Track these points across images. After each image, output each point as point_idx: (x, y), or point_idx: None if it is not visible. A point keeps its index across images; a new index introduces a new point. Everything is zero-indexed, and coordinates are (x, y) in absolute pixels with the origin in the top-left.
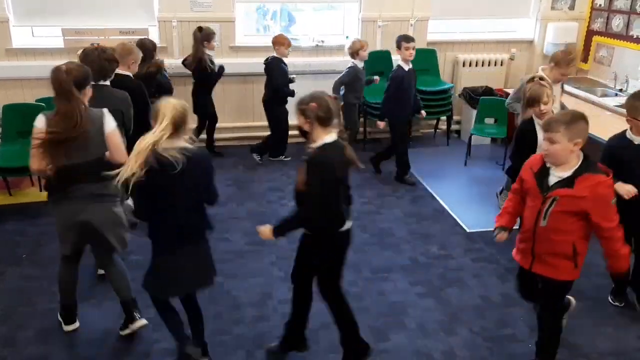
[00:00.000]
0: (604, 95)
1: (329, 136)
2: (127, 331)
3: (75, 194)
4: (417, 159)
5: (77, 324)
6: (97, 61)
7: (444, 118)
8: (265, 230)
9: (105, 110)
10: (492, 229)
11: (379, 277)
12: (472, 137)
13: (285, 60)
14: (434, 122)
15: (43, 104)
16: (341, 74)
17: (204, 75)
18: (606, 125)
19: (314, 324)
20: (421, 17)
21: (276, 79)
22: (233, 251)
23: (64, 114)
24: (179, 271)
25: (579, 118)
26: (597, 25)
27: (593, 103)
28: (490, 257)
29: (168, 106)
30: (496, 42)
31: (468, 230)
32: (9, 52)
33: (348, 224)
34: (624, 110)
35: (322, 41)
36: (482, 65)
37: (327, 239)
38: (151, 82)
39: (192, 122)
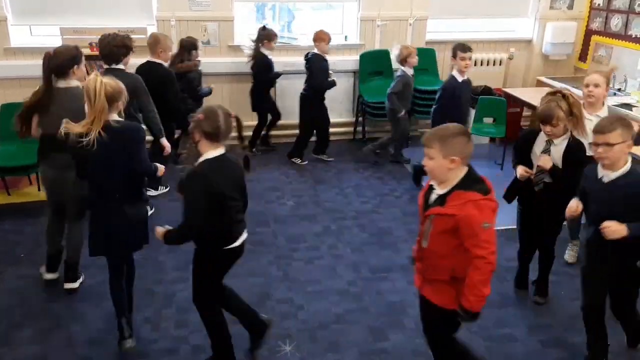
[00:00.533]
0: None
1: (215, 151)
2: (68, 285)
3: (54, 161)
4: (416, 158)
5: (56, 275)
6: (107, 47)
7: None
8: (160, 231)
9: None
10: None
11: (377, 276)
12: (471, 136)
13: (287, 59)
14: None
15: None
16: (392, 84)
17: (262, 75)
18: None
19: (313, 324)
20: (420, 17)
21: (316, 76)
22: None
23: (37, 90)
24: (101, 230)
25: (457, 134)
26: (596, 24)
27: None
28: None
29: (96, 85)
30: (495, 42)
31: None
32: (7, 51)
33: (240, 241)
34: (622, 110)
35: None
36: (481, 65)
37: (210, 255)
38: (180, 78)
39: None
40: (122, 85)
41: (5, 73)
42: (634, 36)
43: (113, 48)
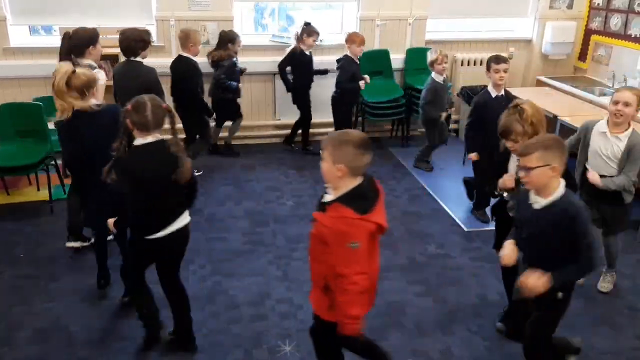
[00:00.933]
0: (602, 94)
1: (145, 138)
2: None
3: None
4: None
5: (78, 244)
6: (126, 40)
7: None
8: (110, 221)
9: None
10: (489, 228)
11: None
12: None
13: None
14: None
15: (40, 104)
16: (422, 94)
17: (303, 73)
18: None
19: (311, 324)
20: (419, 16)
21: (340, 77)
22: (231, 250)
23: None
24: (92, 205)
25: (350, 142)
26: (596, 24)
27: (591, 102)
28: (488, 256)
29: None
30: (494, 41)
31: (466, 230)
32: (6, 51)
33: (164, 232)
34: None
35: (321, 40)
36: (481, 64)
37: (133, 242)
38: (216, 67)
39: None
40: (95, 76)
41: (4, 73)
42: (633, 36)
43: (131, 42)
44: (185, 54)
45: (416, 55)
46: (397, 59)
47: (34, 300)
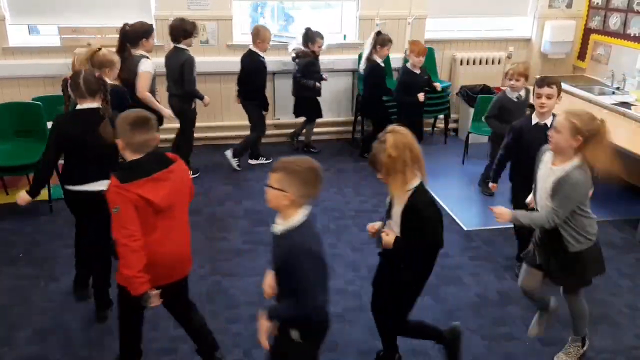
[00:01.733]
0: (602, 93)
1: (82, 105)
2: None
3: None
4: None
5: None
6: (171, 28)
7: (441, 116)
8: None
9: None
10: (488, 228)
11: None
12: (470, 135)
13: (286, 58)
14: (432, 120)
15: (39, 103)
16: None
17: (376, 79)
18: None
19: None
20: (419, 16)
21: (396, 90)
22: (230, 250)
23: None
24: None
25: (123, 120)
26: (595, 23)
27: (590, 101)
28: (487, 255)
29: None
30: (494, 41)
31: (465, 229)
32: (5, 50)
33: (83, 187)
34: (621, 109)
35: None
36: (480, 64)
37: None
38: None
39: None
40: (114, 59)
41: (3, 73)
42: (632, 35)
43: (173, 29)
44: (254, 49)
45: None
46: (396, 59)
47: (33, 300)
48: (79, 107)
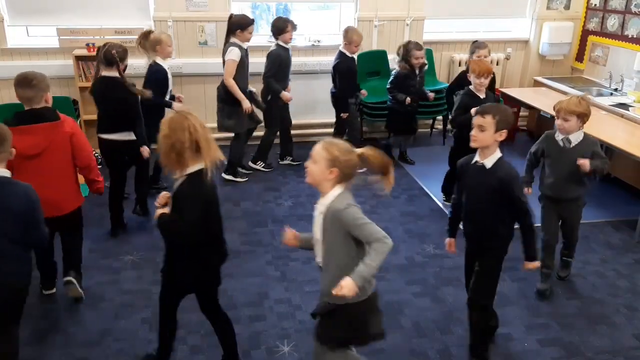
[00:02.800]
0: (600, 94)
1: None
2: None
3: None
4: (413, 157)
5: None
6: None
7: (440, 117)
8: None
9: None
10: None
11: (375, 276)
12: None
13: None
14: (430, 121)
15: None
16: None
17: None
18: (601, 124)
19: (311, 324)
20: (417, 17)
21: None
22: (229, 251)
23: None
24: None
25: None
26: (593, 24)
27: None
28: None
29: None
30: (492, 42)
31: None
32: (3, 51)
33: (114, 135)
34: (619, 110)
35: (319, 41)
36: None
37: None
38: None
39: None
40: (161, 37)
41: (1, 74)
42: (630, 36)
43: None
44: (344, 50)
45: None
46: (394, 60)
47: (32, 301)
48: (101, 74)
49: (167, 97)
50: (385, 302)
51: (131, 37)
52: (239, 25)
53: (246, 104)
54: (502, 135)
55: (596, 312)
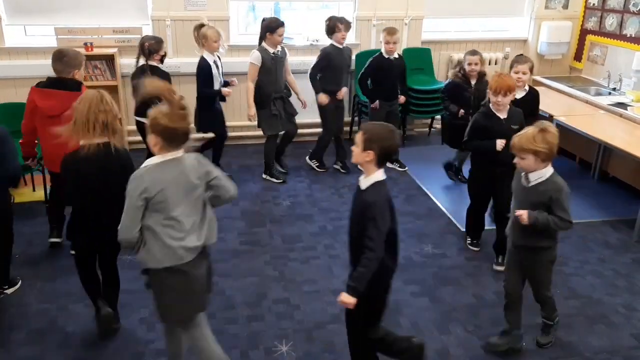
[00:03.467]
0: (598, 94)
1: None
2: None
3: None
4: (412, 157)
5: None
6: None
7: (438, 117)
8: None
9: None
10: (485, 228)
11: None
12: None
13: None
14: (429, 121)
15: None
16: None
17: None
18: (600, 123)
19: (309, 324)
20: (415, 16)
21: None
22: (227, 251)
23: None
24: None
25: None
26: (591, 24)
27: (587, 102)
28: (484, 256)
29: None
30: (490, 41)
31: (462, 229)
32: (1, 51)
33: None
34: (617, 109)
35: (317, 40)
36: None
37: None
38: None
39: None
40: (206, 33)
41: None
42: (628, 35)
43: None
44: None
45: (412, 55)
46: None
47: (29, 301)
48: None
49: (218, 86)
50: None
51: (129, 36)
52: (268, 29)
53: (251, 111)
54: (369, 155)
55: (594, 312)
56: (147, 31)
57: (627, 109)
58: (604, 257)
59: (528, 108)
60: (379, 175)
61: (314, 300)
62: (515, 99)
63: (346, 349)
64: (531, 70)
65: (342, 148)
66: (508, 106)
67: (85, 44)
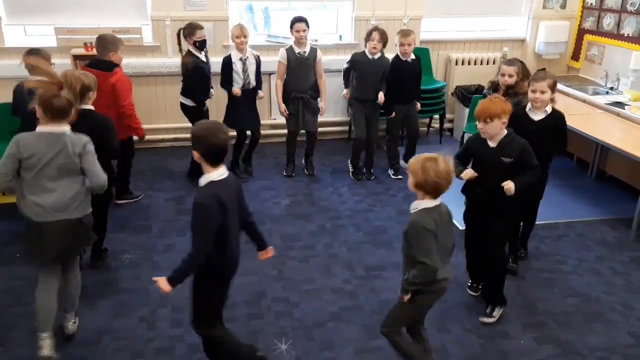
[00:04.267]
0: (596, 93)
1: None
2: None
3: None
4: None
5: None
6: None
7: (436, 116)
8: None
9: None
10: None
11: (372, 274)
12: (465, 135)
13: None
14: (427, 120)
15: None
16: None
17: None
18: (597, 122)
19: (308, 322)
20: (414, 16)
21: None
22: None
23: None
24: None
25: None
26: (588, 24)
27: (584, 101)
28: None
29: None
30: (488, 41)
31: (461, 228)
32: (1, 51)
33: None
34: (615, 109)
35: (316, 40)
36: (475, 64)
37: None
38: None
39: None
40: (234, 31)
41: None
42: (626, 35)
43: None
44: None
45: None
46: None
47: (29, 300)
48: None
49: (237, 85)
50: (382, 300)
51: (128, 36)
52: (290, 25)
53: (281, 107)
54: (196, 155)
55: (592, 310)
56: (147, 31)
57: (624, 108)
58: (601, 255)
59: (546, 134)
60: (214, 175)
61: (313, 299)
62: (533, 120)
63: (346, 347)
64: (552, 88)
65: (370, 156)
66: (501, 135)
67: (85, 44)
